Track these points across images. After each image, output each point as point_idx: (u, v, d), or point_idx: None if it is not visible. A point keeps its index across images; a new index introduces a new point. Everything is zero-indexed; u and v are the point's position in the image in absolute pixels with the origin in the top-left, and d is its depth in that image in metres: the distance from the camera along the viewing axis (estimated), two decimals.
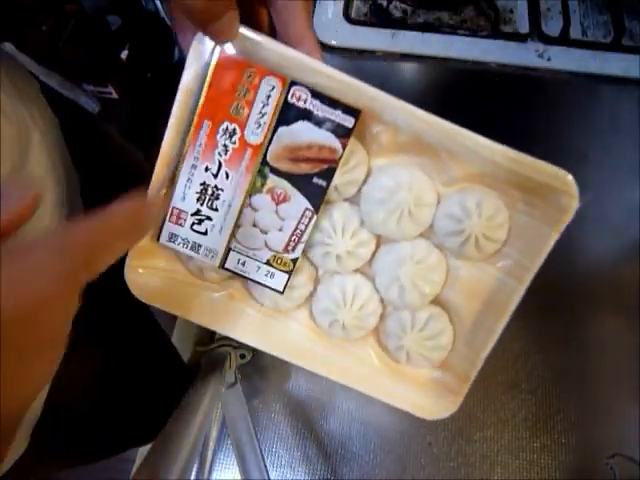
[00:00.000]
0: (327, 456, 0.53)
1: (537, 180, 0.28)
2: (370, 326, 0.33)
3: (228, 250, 0.30)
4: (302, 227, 0.29)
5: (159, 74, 1.13)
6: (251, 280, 0.31)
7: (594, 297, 0.58)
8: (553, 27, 0.64)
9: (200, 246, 0.30)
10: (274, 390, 0.55)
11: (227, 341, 0.55)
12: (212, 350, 0.55)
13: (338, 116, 0.27)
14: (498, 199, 0.30)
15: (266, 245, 0.30)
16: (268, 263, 0.30)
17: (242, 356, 0.55)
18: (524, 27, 0.64)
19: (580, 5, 0.65)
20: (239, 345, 0.55)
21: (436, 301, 0.33)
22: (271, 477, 0.47)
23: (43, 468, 0.45)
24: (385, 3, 0.64)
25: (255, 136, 0.28)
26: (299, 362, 0.33)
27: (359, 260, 0.32)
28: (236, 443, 0.49)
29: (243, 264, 0.30)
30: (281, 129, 0.27)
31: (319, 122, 0.27)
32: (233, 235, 0.30)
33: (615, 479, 0.51)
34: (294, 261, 0.30)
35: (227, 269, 0.31)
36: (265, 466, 0.46)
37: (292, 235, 0.30)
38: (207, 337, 0.59)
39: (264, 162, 0.28)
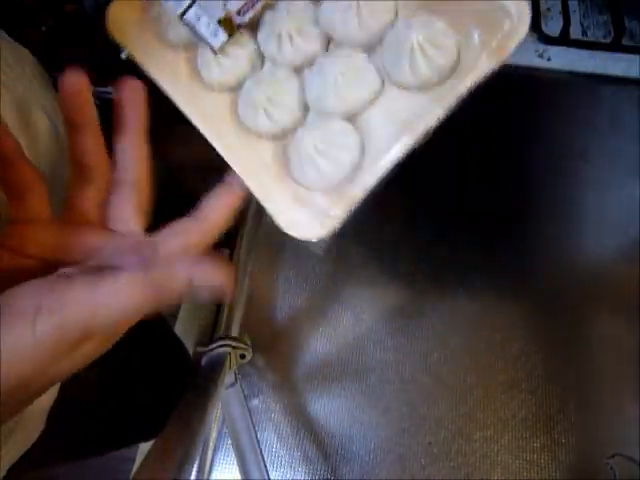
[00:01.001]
0: (327, 456, 0.53)
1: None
2: (285, 122, 0.33)
3: (192, 3, 0.32)
4: None
5: None
6: (198, 34, 0.32)
7: (594, 297, 0.58)
8: (553, 27, 0.64)
9: None
10: (274, 390, 0.55)
11: (227, 341, 0.55)
12: (212, 350, 0.55)
13: None
14: (449, 28, 0.31)
15: (224, 5, 0.32)
16: (219, 22, 0.32)
17: (242, 356, 0.55)
18: None
19: (580, 5, 0.65)
20: (239, 345, 0.55)
21: (354, 122, 0.33)
22: (271, 477, 0.47)
23: (51, 459, 0.45)
24: None
25: None
26: (205, 128, 0.33)
27: (300, 54, 0.33)
28: (236, 443, 0.49)
29: (199, 19, 0.32)
30: None
31: None
32: None
33: (615, 479, 0.51)
34: (239, 27, 0.32)
35: (186, 21, 0.32)
36: (265, 466, 0.46)
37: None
38: (207, 337, 0.59)
39: None
